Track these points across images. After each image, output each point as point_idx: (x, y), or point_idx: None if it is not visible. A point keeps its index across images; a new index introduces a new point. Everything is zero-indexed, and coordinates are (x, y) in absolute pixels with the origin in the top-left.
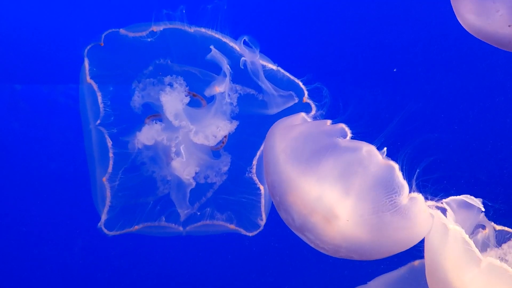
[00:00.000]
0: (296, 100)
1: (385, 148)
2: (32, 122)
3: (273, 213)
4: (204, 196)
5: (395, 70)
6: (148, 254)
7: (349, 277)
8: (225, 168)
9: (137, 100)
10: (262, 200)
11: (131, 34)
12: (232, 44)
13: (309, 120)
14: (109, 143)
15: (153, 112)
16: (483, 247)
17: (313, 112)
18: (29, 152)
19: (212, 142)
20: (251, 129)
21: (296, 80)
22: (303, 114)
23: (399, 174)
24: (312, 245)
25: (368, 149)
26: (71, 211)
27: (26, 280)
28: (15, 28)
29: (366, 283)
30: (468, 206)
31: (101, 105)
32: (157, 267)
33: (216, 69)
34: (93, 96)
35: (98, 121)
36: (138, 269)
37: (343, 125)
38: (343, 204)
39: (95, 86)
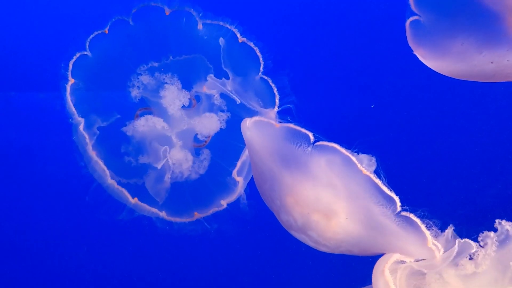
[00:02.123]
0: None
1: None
2: (27, 129)
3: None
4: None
5: (372, 106)
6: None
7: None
8: (206, 163)
9: (135, 93)
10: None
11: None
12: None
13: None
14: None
15: (145, 105)
16: None
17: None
18: (24, 159)
19: (207, 135)
20: (236, 131)
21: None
22: (271, 113)
23: (383, 188)
24: (312, 244)
25: (342, 157)
26: (68, 215)
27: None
28: (10, 36)
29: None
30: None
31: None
32: (148, 263)
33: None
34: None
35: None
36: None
37: (304, 130)
38: (339, 204)
39: (70, 82)
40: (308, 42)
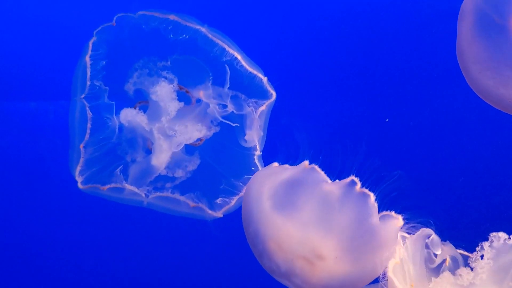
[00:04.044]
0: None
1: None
2: (20, 139)
3: None
4: (164, 183)
5: (387, 120)
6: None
7: None
8: (191, 168)
9: (131, 86)
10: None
11: (148, 13)
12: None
13: (285, 167)
14: (89, 114)
15: (144, 98)
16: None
17: None
18: (16, 168)
19: (185, 140)
20: (235, 138)
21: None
22: (276, 164)
23: (372, 199)
24: None
25: (343, 184)
26: (57, 226)
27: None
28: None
29: None
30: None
31: (88, 82)
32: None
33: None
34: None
35: (83, 95)
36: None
37: (316, 167)
38: (328, 243)
39: (88, 63)
40: (314, 48)
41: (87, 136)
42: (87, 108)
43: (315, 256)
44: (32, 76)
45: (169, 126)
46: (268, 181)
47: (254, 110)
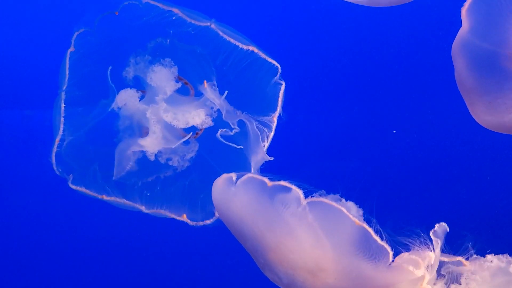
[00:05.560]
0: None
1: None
2: (14, 147)
3: None
4: (159, 174)
5: (394, 131)
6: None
7: None
8: (189, 156)
9: (130, 72)
10: None
11: (152, 2)
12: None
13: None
14: (62, 105)
15: (143, 88)
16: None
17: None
18: (11, 176)
19: (180, 125)
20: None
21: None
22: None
23: (376, 238)
24: None
25: (332, 211)
26: (56, 231)
27: None
28: None
29: None
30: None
31: (67, 71)
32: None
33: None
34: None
35: (65, 86)
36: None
37: (285, 183)
38: (327, 260)
39: (70, 50)
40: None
41: (61, 126)
42: (62, 101)
43: (317, 269)
44: (27, 83)
45: (164, 109)
46: (234, 200)
47: (261, 130)
